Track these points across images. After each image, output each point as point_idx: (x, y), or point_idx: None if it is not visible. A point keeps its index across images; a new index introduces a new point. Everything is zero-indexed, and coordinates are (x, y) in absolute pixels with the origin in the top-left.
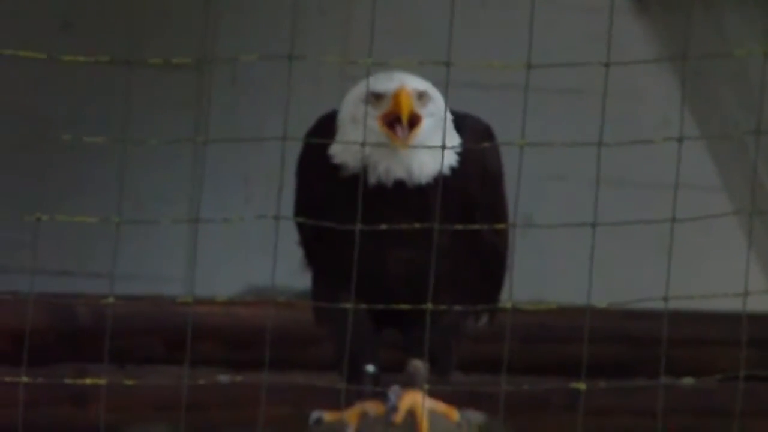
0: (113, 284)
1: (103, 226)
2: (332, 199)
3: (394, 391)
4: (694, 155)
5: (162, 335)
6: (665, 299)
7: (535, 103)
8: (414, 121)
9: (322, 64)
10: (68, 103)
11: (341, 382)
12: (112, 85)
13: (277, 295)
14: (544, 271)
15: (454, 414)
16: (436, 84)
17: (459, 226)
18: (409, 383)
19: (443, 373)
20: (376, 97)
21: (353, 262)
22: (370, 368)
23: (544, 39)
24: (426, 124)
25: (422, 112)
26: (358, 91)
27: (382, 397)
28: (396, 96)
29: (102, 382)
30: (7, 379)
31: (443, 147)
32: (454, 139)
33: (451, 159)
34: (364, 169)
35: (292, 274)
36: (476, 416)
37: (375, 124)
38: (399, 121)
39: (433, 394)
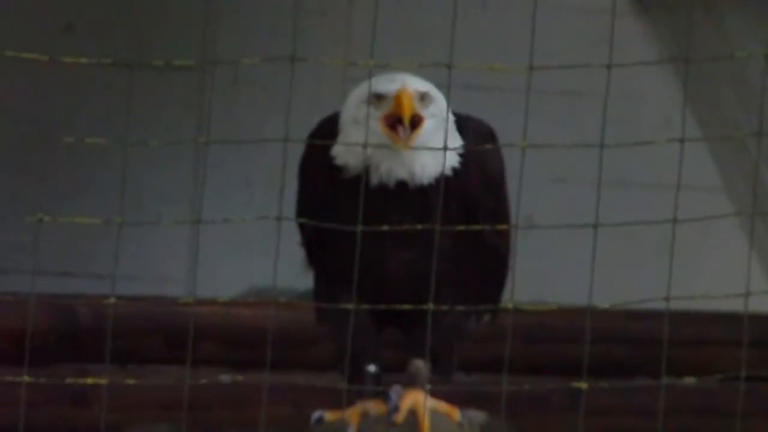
0: (114, 285)
1: (104, 227)
2: (334, 200)
3: (395, 390)
4: (696, 156)
5: (163, 335)
6: (666, 300)
7: (536, 105)
8: (416, 122)
9: (324, 65)
10: (70, 104)
11: (342, 382)
12: (114, 86)
13: (278, 296)
14: (546, 272)
15: (456, 414)
16: (437, 86)
17: (461, 227)
18: (411, 383)
19: (445, 373)
20: (377, 99)
21: (355, 263)
22: (372, 368)
23: (545, 41)
24: (428, 125)
25: (424, 113)
26: (359, 92)
27: (383, 396)
28: (398, 97)
29: (103, 382)
30: (9, 379)
31: (445, 148)
32: (456, 141)
33: (453, 160)
34: (366, 170)
35: (293, 275)
36: (478, 416)
37: (377, 126)
38: (401, 122)
39: (434, 393)
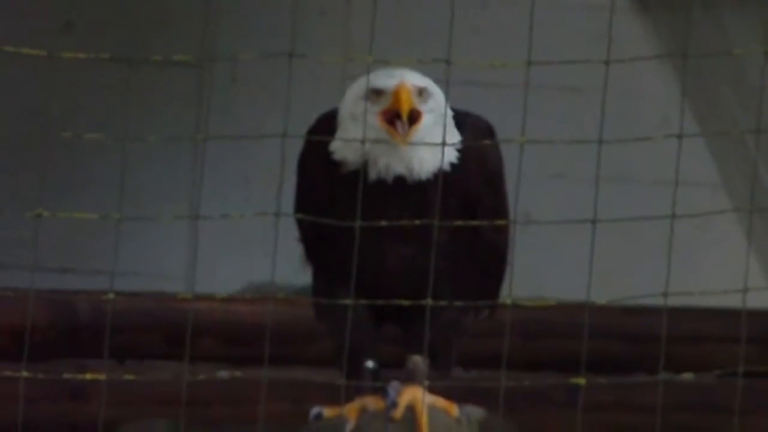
0: (113, 280)
1: (103, 223)
2: (332, 196)
3: (393, 386)
4: (694, 153)
5: (162, 331)
6: (665, 296)
7: (535, 101)
8: (414, 117)
9: (323, 62)
10: (69, 100)
11: (341, 378)
12: (113, 83)
13: (276, 292)
14: (544, 268)
15: (454, 409)
16: (436, 82)
17: (459, 223)
18: (409, 379)
19: (443, 369)
20: (376, 94)
21: (353, 259)
22: (370, 364)
23: (544, 37)
24: (426, 121)
25: (422, 108)
26: (358, 87)
27: (381, 392)
28: (396, 92)
29: (102, 377)
30: (8, 374)
31: (443, 144)
32: (454, 136)
33: (451, 155)
34: (365, 166)
35: (291, 270)
36: (476, 412)
37: (375, 121)
38: (399, 117)
39: (432, 389)
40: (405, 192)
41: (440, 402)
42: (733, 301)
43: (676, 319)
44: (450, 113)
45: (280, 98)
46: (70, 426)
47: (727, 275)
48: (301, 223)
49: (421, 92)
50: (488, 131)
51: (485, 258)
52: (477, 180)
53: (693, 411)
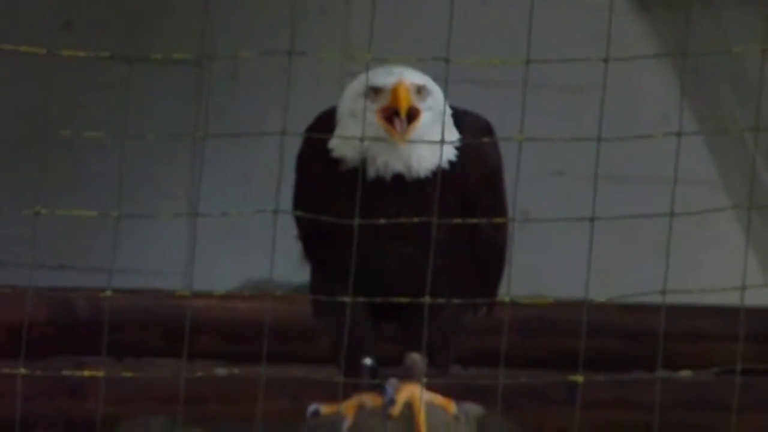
0: (112, 278)
1: (102, 221)
2: (331, 194)
3: (391, 384)
4: (693, 151)
5: (160, 328)
6: (663, 293)
7: (534, 100)
8: (412, 115)
9: (322, 60)
10: (68, 99)
11: (339, 375)
12: (112, 81)
13: (275, 290)
14: (543, 266)
15: (452, 407)
16: (435, 80)
17: (458, 221)
18: (407, 376)
19: (441, 367)
20: (374, 91)
21: (352, 256)
22: (368, 361)
23: (543, 36)
24: (425, 118)
25: (421, 106)
26: (357, 85)
27: (379, 390)
28: (394, 90)
29: (100, 374)
30: (6, 371)
31: (442, 142)
32: (453, 134)
33: (450, 153)
34: (363, 163)
35: (290, 268)
36: (474, 409)
37: (374, 118)
38: (398, 115)
39: (430, 387)
40: (403, 190)
41: (438, 399)
42: (731, 299)
43: (674, 316)
44: (449, 111)
45: (280, 96)
46: (68, 423)
47: (726, 273)
48: (299, 221)
49: (420, 90)
50: (487, 130)
51: (484, 256)
52: (476, 178)
53: (691, 408)
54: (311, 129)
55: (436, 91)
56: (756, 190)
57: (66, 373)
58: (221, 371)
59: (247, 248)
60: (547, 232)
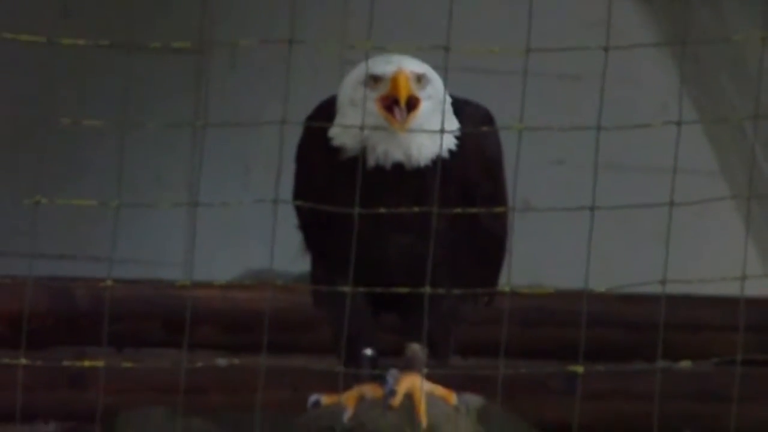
0: (111, 268)
1: (101, 210)
2: (331, 183)
3: (392, 374)
4: (693, 140)
5: (160, 319)
6: (663, 283)
7: (533, 88)
8: (412, 103)
9: (322, 49)
10: (67, 87)
11: (339, 366)
12: (112, 69)
13: (275, 279)
14: (543, 256)
15: (452, 397)
16: (435, 69)
17: (458, 210)
18: (408, 367)
19: (441, 357)
20: (374, 80)
21: (352, 246)
22: (369, 352)
23: (543, 25)
24: (424, 107)
25: (420, 94)
26: (356, 73)
27: (380, 380)
28: (394, 79)
29: (100, 364)
30: (6, 361)
31: (442, 131)
32: (453, 123)
33: (449, 142)
34: (363, 152)
35: (290, 258)
36: (474, 400)
37: (373, 107)
38: (397, 103)
39: (431, 377)
40: (403, 179)
41: (438, 390)
42: (731, 289)
43: (674, 306)
44: (449, 100)
45: (279, 85)
46: (69, 413)
47: (726, 263)
48: (299, 211)
49: (420, 79)
50: (487, 119)
51: (484, 246)
52: (476, 167)
53: (691, 399)
54: (311, 118)
55: (436, 80)
56: (756, 180)
57: (66, 363)
58: (221, 361)
59: (247, 238)
60: (547, 222)
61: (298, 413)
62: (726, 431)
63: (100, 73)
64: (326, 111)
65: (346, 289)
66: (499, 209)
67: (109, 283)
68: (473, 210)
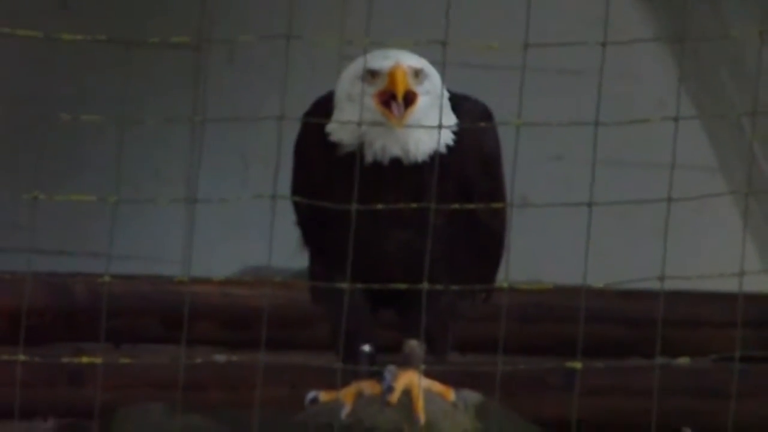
0: (110, 263)
1: (100, 206)
2: (329, 179)
3: (390, 371)
4: (691, 136)
5: (159, 315)
6: (661, 279)
7: (532, 84)
8: (410, 98)
9: (320, 44)
10: (65, 82)
11: (337, 362)
12: (110, 64)
13: (273, 275)
14: (541, 251)
15: (450, 394)
16: (433, 64)
17: (456, 206)
18: (406, 363)
19: (440, 354)
20: (372, 75)
21: (350, 242)
22: (367, 348)
23: (542, 20)
24: (422, 102)
25: (418, 89)
26: (354, 68)
27: (378, 377)
28: (391, 74)
29: (98, 361)
30: (5, 357)
31: (440, 127)
32: (451, 118)
33: (447, 137)
34: (361, 147)
35: (288, 254)
36: (472, 396)
37: (371, 102)
38: (395, 98)
39: (429, 374)
40: (401, 174)
41: (436, 386)
42: (729, 285)
43: (672, 303)
44: (447, 95)
45: (278, 80)
46: (67, 409)
47: (724, 259)
48: (298, 206)
49: (417, 74)
50: (485, 114)
51: (482, 241)
52: (474, 163)
53: (689, 395)
54: (309, 114)
55: (434, 75)
56: (754, 176)
57: (65, 360)
58: (220, 358)
59: (245, 234)
60: (545, 218)
61: (297, 410)
62: (724, 428)
63: (99, 68)
64: (324, 106)
65: (345, 285)
66: (497, 205)
67: (107, 278)
68: (471, 206)
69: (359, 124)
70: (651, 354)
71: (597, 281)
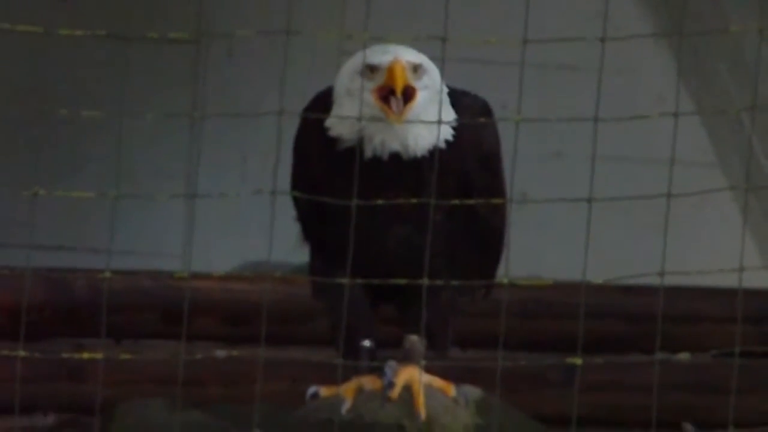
0: (110, 259)
1: (100, 201)
2: (329, 174)
3: (390, 366)
4: (690, 132)
5: (159, 310)
6: (661, 275)
7: (531, 79)
8: (409, 94)
9: (319, 39)
10: (65, 78)
11: (338, 358)
12: (109, 59)
13: (273, 271)
14: (541, 247)
15: (451, 389)
16: (432, 59)
17: (455, 202)
18: (406, 359)
19: (440, 349)
20: (371, 70)
21: (350, 237)
22: (367, 343)
23: (541, 16)
24: (421, 97)
25: (417, 85)
26: (353, 63)
27: (378, 372)
28: (390, 69)
29: (99, 356)
30: (5, 353)
31: (439, 122)
32: (450, 114)
33: (446, 133)
34: (360, 142)
35: (288, 249)
36: (473, 391)
37: (370, 98)
38: (393, 94)
39: (429, 369)
40: (401, 169)
41: (437, 382)
42: (729, 281)
43: (672, 298)
44: (446, 91)
45: (277, 75)
46: (67, 405)
47: (724, 254)
48: (297, 202)
49: (416, 69)
50: (485, 110)
51: (482, 237)
52: (473, 158)
53: (689, 390)
54: (308, 109)
55: (433, 70)
56: (753, 172)
57: (65, 355)
58: (220, 353)
59: (245, 229)
60: (545, 214)
61: (297, 405)
62: (724, 423)
63: (98, 64)
64: (323, 102)
65: (345, 280)
66: (496, 201)
67: (107, 274)
68: (471, 201)
69: (358, 119)
70: (651, 350)
71: (597, 277)
